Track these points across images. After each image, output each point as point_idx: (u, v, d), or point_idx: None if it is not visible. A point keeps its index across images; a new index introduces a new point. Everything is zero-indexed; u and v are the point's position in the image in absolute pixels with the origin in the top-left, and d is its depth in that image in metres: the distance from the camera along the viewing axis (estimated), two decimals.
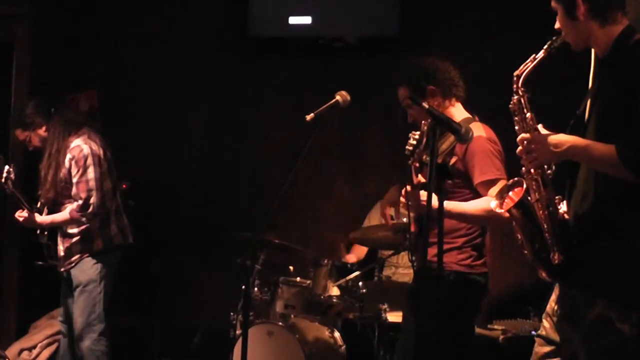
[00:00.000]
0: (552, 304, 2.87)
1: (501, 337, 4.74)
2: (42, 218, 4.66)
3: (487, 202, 3.23)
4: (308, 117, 3.38)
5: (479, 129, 3.52)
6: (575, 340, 2.70)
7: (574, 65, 3.09)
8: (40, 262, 4.73)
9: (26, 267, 5.38)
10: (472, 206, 3.39)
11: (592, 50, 2.85)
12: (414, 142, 3.20)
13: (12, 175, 4.65)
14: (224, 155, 6.21)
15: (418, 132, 3.20)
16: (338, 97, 3.48)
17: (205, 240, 5.97)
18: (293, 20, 5.99)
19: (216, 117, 6.25)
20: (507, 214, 2.79)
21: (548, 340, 2.85)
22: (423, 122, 3.26)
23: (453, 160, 3.52)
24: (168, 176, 6.15)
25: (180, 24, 6.30)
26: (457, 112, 3.63)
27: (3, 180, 4.62)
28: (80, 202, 4.56)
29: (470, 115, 3.67)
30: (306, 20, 5.97)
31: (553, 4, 2.73)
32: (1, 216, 5.88)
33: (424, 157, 3.35)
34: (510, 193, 2.78)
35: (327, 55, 6.02)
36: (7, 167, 4.66)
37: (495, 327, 4.88)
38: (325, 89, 3.62)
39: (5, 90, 5.87)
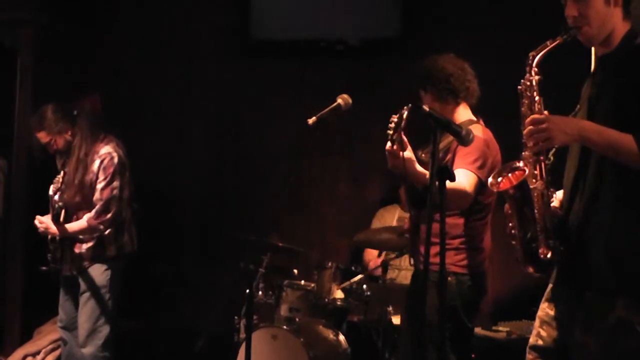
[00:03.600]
0: (547, 311, 2.81)
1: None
2: (61, 228, 4.64)
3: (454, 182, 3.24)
4: (310, 121, 3.38)
5: (478, 131, 3.53)
6: (590, 345, 2.63)
7: (572, 65, 3.09)
8: (44, 267, 4.73)
9: (30, 273, 5.39)
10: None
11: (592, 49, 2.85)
12: (392, 126, 3.18)
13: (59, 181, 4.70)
14: (226, 159, 6.21)
15: (397, 116, 3.16)
16: (340, 101, 3.48)
17: (209, 244, 5.98)
18: (295, 22, 5.99)
19: (218, 120, 6.25)
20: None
21: (545, 351, 2.79)
22: (405, 107, 3.18)
23: (449, 157, 3.54)
24: (171, 180, 6.16)
25: (181, 28, 6.30)
26: (462, 112, 3.65)
27: (57, 185, 4.65)
28: (99, 207, 4.58)
29: (474, 118, 3.68)
30: (308, 22, 5.98)
31: None
32: (5, 221, 5.90)
33: (422, 155, 3.37)
34: (510, 175, 2.74)
35: (329, 58, 6.02)
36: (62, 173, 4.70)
37: (500, 328, 4.87)
38: (328, 91, 3.63)
39: (10, 94, 5.89)
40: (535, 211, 2.66)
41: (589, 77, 2.83)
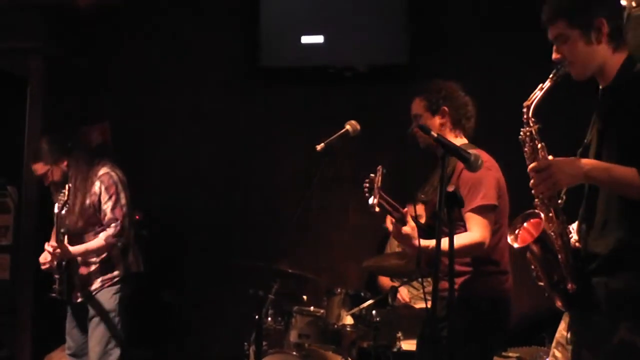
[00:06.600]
0: (563, 333, 2.84)
1: None
2: (75, 248, 4.64)
3: (469, 237, 3.35)
4: (318, 147, 3.40)
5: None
6: None
7: (578, 96, 3.10)
8: (53, 294, 4.74)
9: (40, 300, 5.39)
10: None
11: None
12: (365, 189, 3.25)
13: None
14: (235, 185, 6.22)
15: (368, 180, 3.24)
16: (348, 127, 3.50)
17: (218, 270, 5.98)
18: (303, 48, 6.02)
19: (227, 147, 6.27)
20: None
21: None
22: (378, 168, 3.28)
23: (450, 188, 3.53)
24: (180, 206, 6.17)
25: (190, 55, 6.34)
26: (457, 140, 3.65)
27: (59, 205, 4.61)
28: (118, 226, 4.63)
29: (468, 142, 3.67)
30: (316, 48, 6.01)
31: (561, 30, 2.69)
32: (15, 248, 5.91)
33: (422, 196, 3.40)
34: (526, 224, 2.75)
35: (337, 84, 6.05)
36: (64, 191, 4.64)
37: (510, 354, 4.84)
38: (336, 117, 3.64)
39: (20, 123, 5.92)
40: (558, 254, 2.67)
41: (595, 111, 2.84)
